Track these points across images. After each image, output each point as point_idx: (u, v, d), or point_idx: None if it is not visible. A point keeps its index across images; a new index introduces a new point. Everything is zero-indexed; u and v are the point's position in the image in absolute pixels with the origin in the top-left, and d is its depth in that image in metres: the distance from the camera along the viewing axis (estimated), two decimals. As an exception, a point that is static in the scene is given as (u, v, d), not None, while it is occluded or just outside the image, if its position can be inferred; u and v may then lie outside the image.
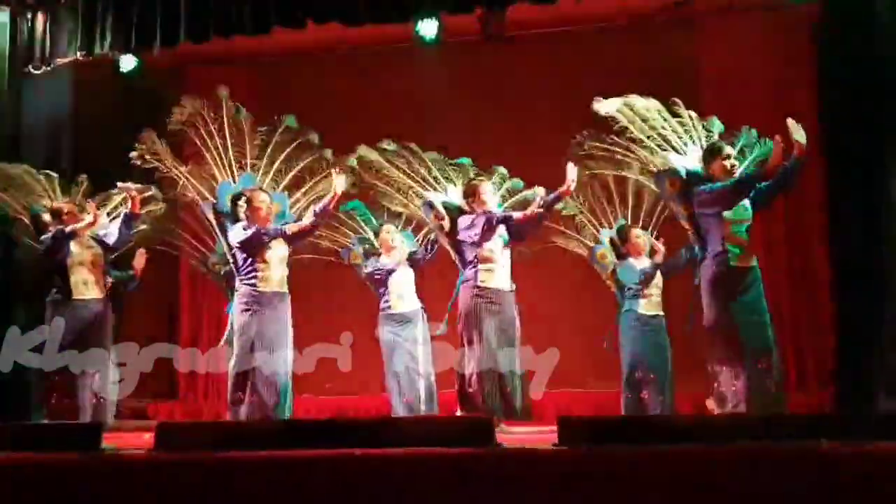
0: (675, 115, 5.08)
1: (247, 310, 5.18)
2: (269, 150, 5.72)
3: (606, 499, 2.73)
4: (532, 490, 2.75)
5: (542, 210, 5.36)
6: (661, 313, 5.92)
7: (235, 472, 2.90)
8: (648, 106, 5.10)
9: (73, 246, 5.50)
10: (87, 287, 5.52)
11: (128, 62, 7.44)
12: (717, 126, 5.13)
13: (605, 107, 5.20)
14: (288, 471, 2.86)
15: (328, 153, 6.00)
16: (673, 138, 5.07)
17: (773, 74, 7.48)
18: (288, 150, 5.79)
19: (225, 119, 5.63)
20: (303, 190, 5.92)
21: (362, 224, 6.40)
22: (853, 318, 6.55)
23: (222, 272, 6.38)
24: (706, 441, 2.88)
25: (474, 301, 5.33)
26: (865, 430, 2.94)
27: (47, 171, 6.17)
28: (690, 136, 5.07)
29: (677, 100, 5.12)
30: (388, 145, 6.05)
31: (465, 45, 7.79)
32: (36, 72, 6.92)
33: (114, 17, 6.71)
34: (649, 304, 5.90)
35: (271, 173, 5.72)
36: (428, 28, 7.10)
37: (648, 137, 5.11)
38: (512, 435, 4.71)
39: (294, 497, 2.84)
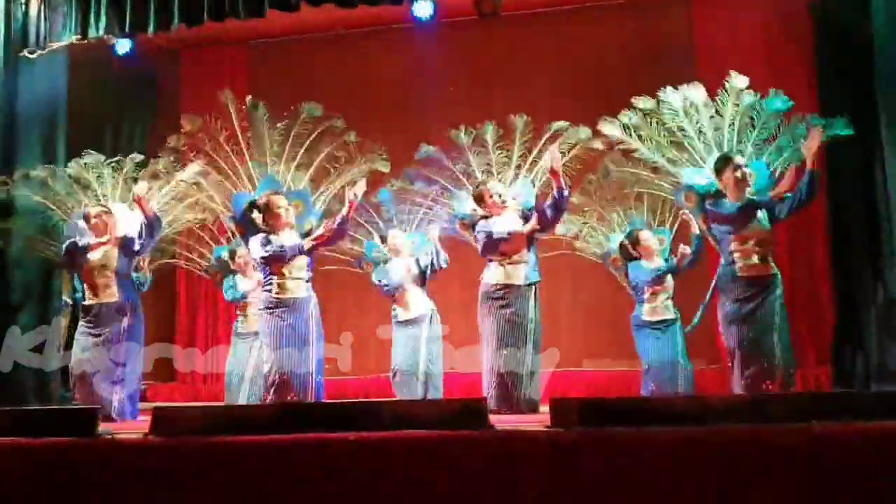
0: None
1: (262, 309, 5.18)
2: (289, 143, 5.57)
3: (599, 481, 2.74)
4: (525, 472, 2.77)
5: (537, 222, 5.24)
6: (671, 317, 5.89)
7: (231, 456, 2.91)
8: (688, 96, 5.08)
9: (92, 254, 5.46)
10: (94, 292, 5.46)
11: (123, 45, 7.45)
12: (780, 104, 5.04)
13: (610, 129, 5.30)
14: (283, 455, 2.87)
15: (352, 136, 5.85)
16: (693, 144, 5.06)
17: (770, 50, 7.44)
18: (307, 141, 5.61)
19: (236, 123, 5.55)
20: (329, 181, 5.76)
21: (375, 228, 6.40)
22: (851, 299, 6.57)
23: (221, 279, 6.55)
24: (699, 423, 2.88)
25: (482, 300, 5.30)
26: (861, 410, 2.94)
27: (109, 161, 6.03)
28: (720, 134, 5.03)
29: (735, 74, 5.05)
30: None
31: (459, 24, 7.76)
32: (31, 56, 6.89)
33: (108, 1, 6.66)
34: (652, 311, 5.89)
35: (293, 168, 5.57)
36: (422, 8, 7.08)
37: (664, 153, 5.15)
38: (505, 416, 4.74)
39: (289, 481, 2.85)
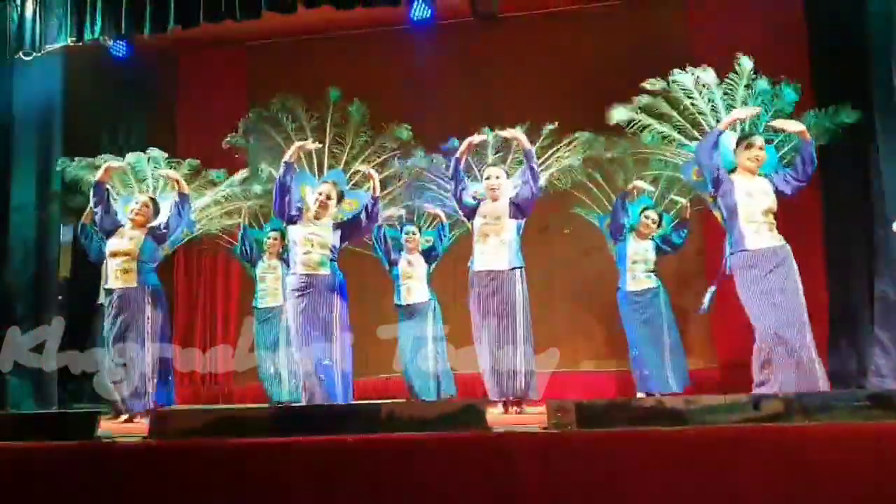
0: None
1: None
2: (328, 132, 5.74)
3: (596, 481, 2.76)
4: (523, 472, 2.78)
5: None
6: (654, 285, 6.09)
7: (229, 458, 2.93)
8: (703, 80, 5.12)
9: (112, 237, 5.42)
10: (113, 277, 5.34)
11: (119, 47, 7.47)
12: (793, 94, 5.08)
13: (619, 114, 5.38)
14: (282, 457, 2.89)
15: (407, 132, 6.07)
16: (707, 121, 5.09)
17: (766, 49, 7.43)
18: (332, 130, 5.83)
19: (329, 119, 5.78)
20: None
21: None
22: (846, 297, 6.58)
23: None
24: (695, 422, 2.90)
25: (469, 287, 5.20)
26: (854, 409, 2.95)
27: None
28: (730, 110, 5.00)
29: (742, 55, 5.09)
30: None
31: (456, 26, 7.77)
32: (27, 58, 6.89)
33: (104, 3, 6.65)
34: (635, 282, 6.08)
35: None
36: (419, 10, 7.10)
37: (679, 129, 5.23)
38: (503, 417, 4.75)
39: (288, 484, 2.87)
